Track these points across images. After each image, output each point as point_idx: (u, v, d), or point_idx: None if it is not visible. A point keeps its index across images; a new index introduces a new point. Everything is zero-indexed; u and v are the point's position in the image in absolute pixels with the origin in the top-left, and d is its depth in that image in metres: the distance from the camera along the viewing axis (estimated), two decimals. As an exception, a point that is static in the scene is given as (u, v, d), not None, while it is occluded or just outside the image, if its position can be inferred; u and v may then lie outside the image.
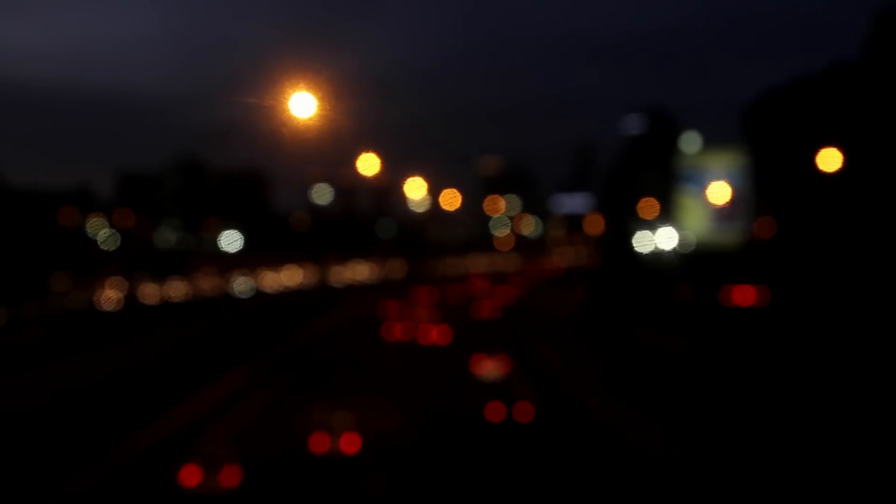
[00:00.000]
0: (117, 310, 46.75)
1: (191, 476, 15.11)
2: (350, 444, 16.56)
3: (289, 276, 78.12)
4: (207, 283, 64.05)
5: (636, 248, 73.74)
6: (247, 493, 14.26)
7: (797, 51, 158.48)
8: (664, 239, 69.72)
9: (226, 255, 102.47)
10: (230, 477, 15.10)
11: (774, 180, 62.46)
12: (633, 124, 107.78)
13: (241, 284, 66.05)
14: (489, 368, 25.64)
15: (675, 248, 69.01)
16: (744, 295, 44.86)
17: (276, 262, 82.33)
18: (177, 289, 58.32)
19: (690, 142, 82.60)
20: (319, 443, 16.66)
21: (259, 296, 61.09)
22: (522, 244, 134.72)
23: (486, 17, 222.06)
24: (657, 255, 69.24)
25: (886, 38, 51.69)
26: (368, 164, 27.30)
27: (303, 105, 15.74)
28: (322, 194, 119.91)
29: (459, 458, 15.32)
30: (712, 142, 78.03)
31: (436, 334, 37.43)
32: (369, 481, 13.90)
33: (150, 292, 54.41)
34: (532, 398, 20.75)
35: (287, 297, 60.72)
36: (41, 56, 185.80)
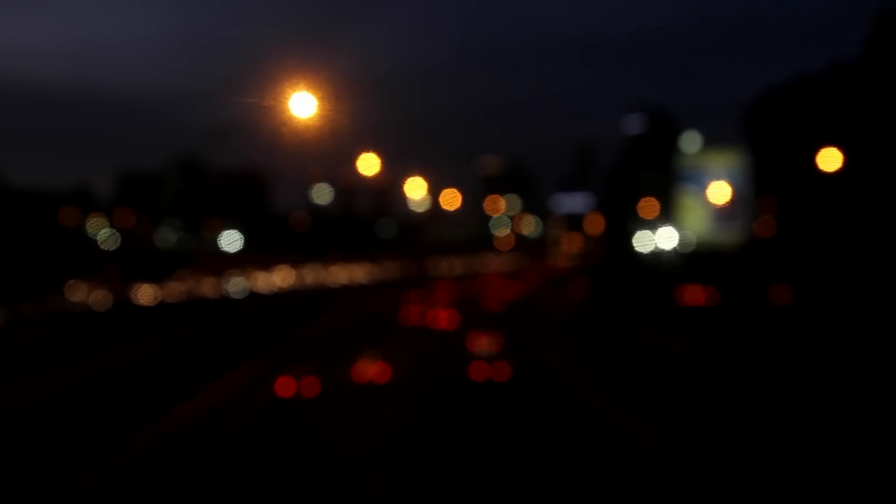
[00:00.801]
0: (106, 310, 46.79)
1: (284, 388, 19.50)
2: (383, 374, 23.01)
3: (279, 277, 78.02)
4: (197, 285, 63.97)
5: (636, 248, 73.77)
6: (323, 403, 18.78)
7: (797, 50, 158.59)
8: (664, 238, 69.73)
9: (225, 254, 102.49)
10: (311, 387, 20.45)
11: (775, 180, 62.50)
12: (634, 124, 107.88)
13: (234, 286, 65.92)
14: (483, 344, 29.49)
15: (675, 248, 69.02)
16: (694, 295, 45.56)
17: (272, 263, 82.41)
18: (170, 290, 58.35)
19: (690, 141, 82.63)
20: (360, 374, 22.72)
21: (253, 297, 61.01)
22: (523, 244, 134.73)
23: (485, 16, 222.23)
24: (657, 255, 69.25)
25: (886, 38, 51.73)
26: (368, 164, 27.32)
27: (303, 105, 15.73)
28: (322, 194, 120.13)
29: (449, 404, 18.73)
30: (712, 141, 78.14)
31: (445, 321, 41.62)
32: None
33: (143, 294, 54.52)
34: (511, 364, 25.10)
35: (280, 298, 60.71)
36: (41, 56, 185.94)
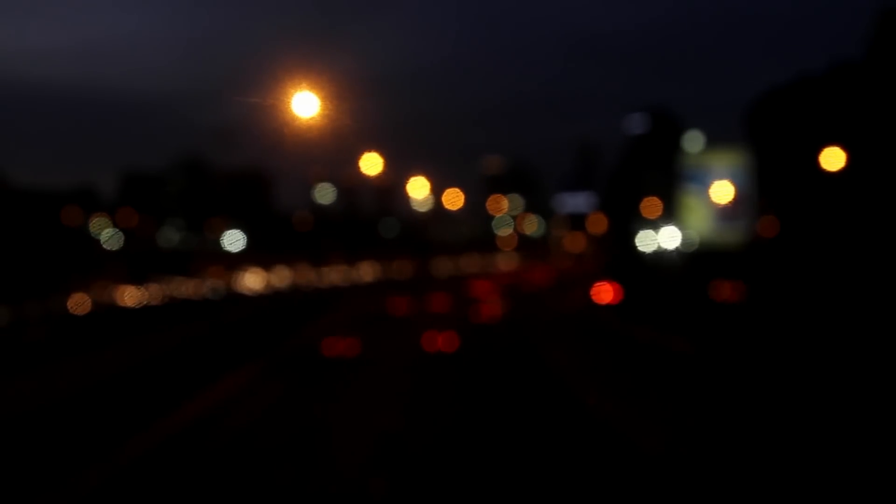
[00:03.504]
0: (105, 311, 46.99)
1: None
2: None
3: (255, 279, 78.17)
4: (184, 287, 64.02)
5: (639, 248, 73.72)
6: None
7: (800, 49, 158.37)
8: (667, 238, 69.66)
9: (229, 253, 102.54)
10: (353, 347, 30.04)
11: (778, 179, 62.47)
12: (636, 123, 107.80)
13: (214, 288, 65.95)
14: (492, 301, 47.33)
15: (677, 248, 68.95)
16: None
17: (266, 263, 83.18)
18: (173, 290, 58.44)
19: (693, 141, 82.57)
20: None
21: (230, 299, 60.92)
22: (525, 243, 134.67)
23: (488, 15, 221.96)
24: (660, 255, 69.23)
25: (889, 37, 51.70)
26: (371, 164, 27.27)
27: (305, 104, 15.70)
28: (325, 194, 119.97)
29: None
30: (715, 141, 78.02)
31: (491, 295, 60.18)
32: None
33: (139, 295, 54.81)
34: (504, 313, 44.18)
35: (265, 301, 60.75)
36: (44, 54, 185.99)
